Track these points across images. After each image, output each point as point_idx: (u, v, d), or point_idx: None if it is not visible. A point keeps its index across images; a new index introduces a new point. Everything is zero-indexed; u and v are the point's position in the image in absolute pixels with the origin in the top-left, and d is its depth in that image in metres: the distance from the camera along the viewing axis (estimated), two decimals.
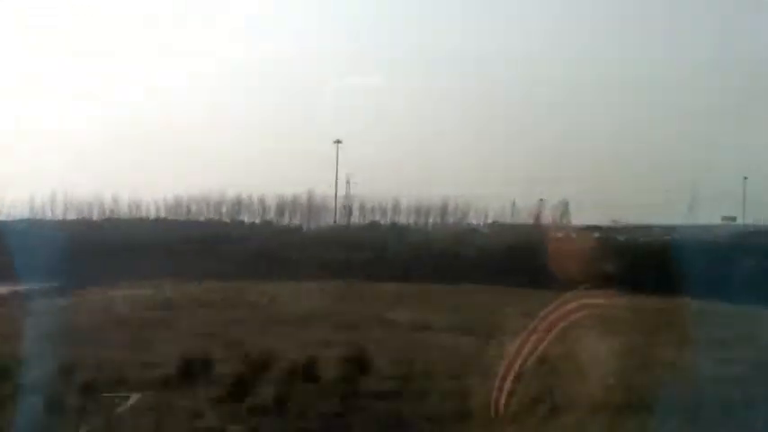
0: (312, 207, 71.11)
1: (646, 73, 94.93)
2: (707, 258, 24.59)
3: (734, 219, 68.39)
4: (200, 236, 47.01)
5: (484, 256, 36.45)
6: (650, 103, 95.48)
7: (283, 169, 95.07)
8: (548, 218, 73.49)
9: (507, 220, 76.26)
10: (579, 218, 68.39)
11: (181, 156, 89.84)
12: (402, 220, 75.37)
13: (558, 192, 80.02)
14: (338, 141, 62.56)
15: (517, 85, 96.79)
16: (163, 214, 69.82)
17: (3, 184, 65.60)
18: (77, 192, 67.57)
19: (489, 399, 10.92)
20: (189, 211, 69.08)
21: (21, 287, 23.54)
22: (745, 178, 66.33)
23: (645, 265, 29.39)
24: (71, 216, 69.80)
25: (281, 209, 69.83)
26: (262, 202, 68.59)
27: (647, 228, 57.79)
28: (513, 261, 33.71)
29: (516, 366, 7.04)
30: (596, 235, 50.53)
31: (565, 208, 75.23)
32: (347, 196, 78.13)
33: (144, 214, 68.24)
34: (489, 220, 77.41)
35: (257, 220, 67.11)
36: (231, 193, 69.12)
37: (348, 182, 74.15)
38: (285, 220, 70.25)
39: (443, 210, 75.87)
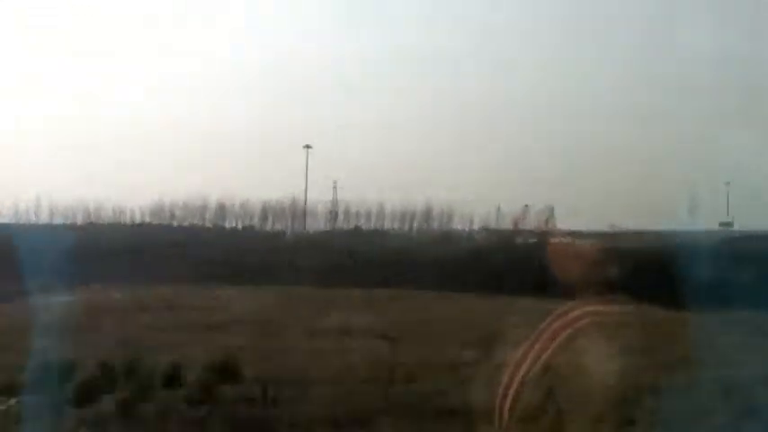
0: (296, 212, 71.14)
1: (639, 75, 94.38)
2: (708, 266, 24.24)
3: (731, 224, 67.91)
4: (173, 241, 47.34)
5: (466, 262, 36.46)
6: (644, 106, 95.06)
7: (269, 173, 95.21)
8: (532, 223, 73.36)
9: (492, 225, 76.13)
10: (565, 223, 68.28)
11: (170, 158, 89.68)
12: (387, 224, 75.41)
13: (545, 196, 79.79)
14: (308, 146, 61.94)
15: (511, 89, 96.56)
16: (148, 219, 69.99)
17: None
18: (61, 196, 67.82)
19: (353, 403, 11.26)
20: (173, 215, 69.17)
21: None
22: (728, 183, 65.99)
23: (648, 272, 29.29)
24: (57, 220, 70.21)
25: (264, 214, 69.83)
26: (244, 207, 68.61)
27: (645, 234, 57.53)
28: (496, 267, 33.63)
29: (520, 374, 7.18)
30: (579, 240, 50.57)
31: (550, 213, 75.06)
32: (334, 201, 78.15)
33: (128, 219, 68.36)
34: (475, 226, 77.31)
35: (239, 226, 67.13)
36: (215, 197, 69.22)
37: (335, 187, 74.19)
38: (269, 226, 70.22)
39: (428, 215, 75.83)
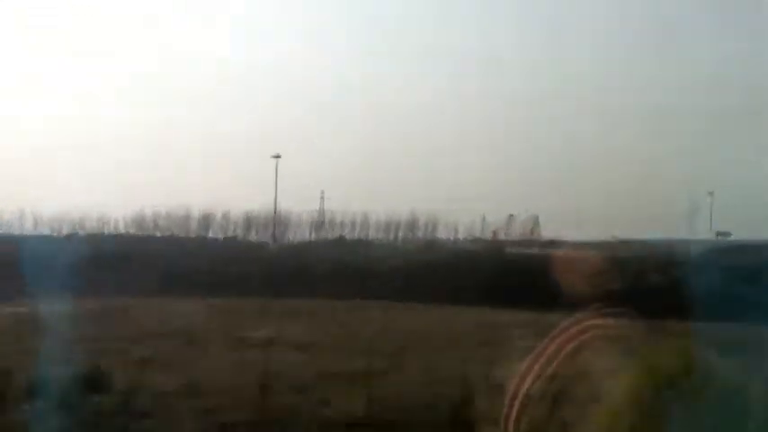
0: (280, 222, 71.20)
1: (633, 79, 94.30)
2: (714, 278, 23.82)
3: (728, 234, 67.48)
4: (148, 251, 47.16)
5: (443, 273, 36.14)
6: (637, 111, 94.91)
7: (253, 183, 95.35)
8: (517, 232, 73.26)
9: (477, 234, 76.24)
10: (551, 232, 68.18)
11: (158, 164, 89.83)
12: (372, 234, 75.46)
13: (530, 206, 79.80)
14: (277, 156, 61.84)
15: (502, 96, 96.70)
16: (132, 230, 70.19)
17: None
18: (46, 205, 68.10)
19: (225, 415, 11.03)
20: (156, 226, 69.36)
21: None
22: (711, 193, 65.84)
23: (652, 284, 28.70)
24: (44, 231, 70.43)
25: (248, 224, 69.99)
26: (226, 217, 68.79)
27: (643, 243, 57.28)
28: (477, 278, 33.22)
29: (525, 388, 6.96)
30: (561, 250, 50.32)
31: (535, 222, 75.14)
32: (320, 211, 78.25)
33: (112, 229, 68.61)
34: (460, 235, 77.39)
35: (221, 237, 67.27)
36: (198, 207, 69.28)
37: (322, 197, 74.29)
38: (253, 236, 70.37)
39: (413, 224, 75.93)
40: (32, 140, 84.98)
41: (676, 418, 9.39)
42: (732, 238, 64.70)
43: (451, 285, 33.50)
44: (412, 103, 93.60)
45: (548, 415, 8.90)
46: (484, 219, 75.64)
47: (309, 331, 20.13)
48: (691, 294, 20.11)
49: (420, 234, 75.77)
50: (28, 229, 69.62)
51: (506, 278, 33.25)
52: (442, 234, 75.55)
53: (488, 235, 73.45)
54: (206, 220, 69.24)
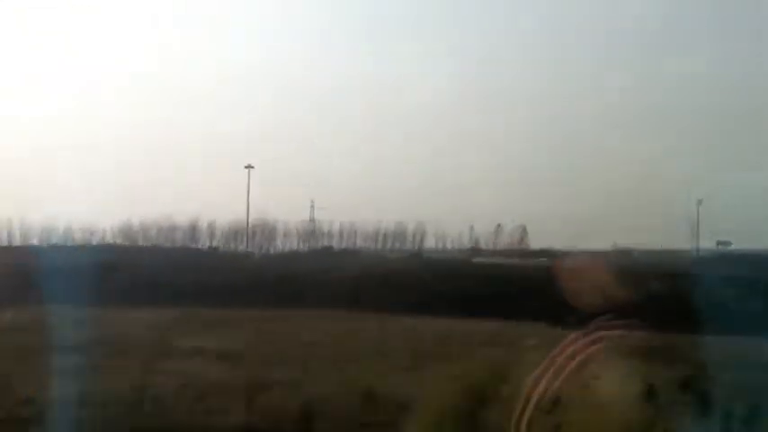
0: (265, 232, 71.18)
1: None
2: (720, 288, 23.52)
3: (729, 243, 66.98)
4: (127, 263, 47.15)
5: (421, 283, 35.84)
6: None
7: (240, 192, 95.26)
8: (503, 242, 73.02)
9: (466, 243, 76.08)
10: (539, 242, 67.93)
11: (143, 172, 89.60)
12: (361, 244, 75.42)
13: (519, 215, 79.46)
14: (249, 167, 61.63)
15: (502, 96, 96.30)
16: (119, 240, 70.29)
17: None
18: (34, 217, 68.29)
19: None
20: (144, 236, 69.46)
21: None
22: (700, 201, 65.46)
23: (658, 294, 27.53)
24: (33, 241, 70.61)
25: (233, 234, 70.01)
26: (211, 227, 68.80)
27: (643, 253, 56.89)
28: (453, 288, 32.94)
29: (533, 401, 6.91)
30: (544, 259, 50.15)
31: (523, 232, 74.90)
32: (311, 221, 78.14)
33: (98, 240, 68.71)
34: (448, 245, 77.29)
35: (204, 247, 67.30)
36: (184, 217, 69.35)
37: (312, 206, 74.20)
38: (240, 246, 70.33)
39: (402, 234, 75.92)
40: (32, 141, 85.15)
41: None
42: (732, 247, 64.22)
43: (426, 296, 33.41)
44: (412, 104, 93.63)
45: (555, 423, 8.78)
46: (472, 228, 75.50)
47: (255, 342, 19.93)
48: (694, 306, 19.89)
49: (408, 244, 75.77)
50: (16, 239, 69.80)
51: (476, 288, 33.03)
52: (431, 243, 75.57)
53: (480, 244, 73.28)
54: (192, 230, 69.29)
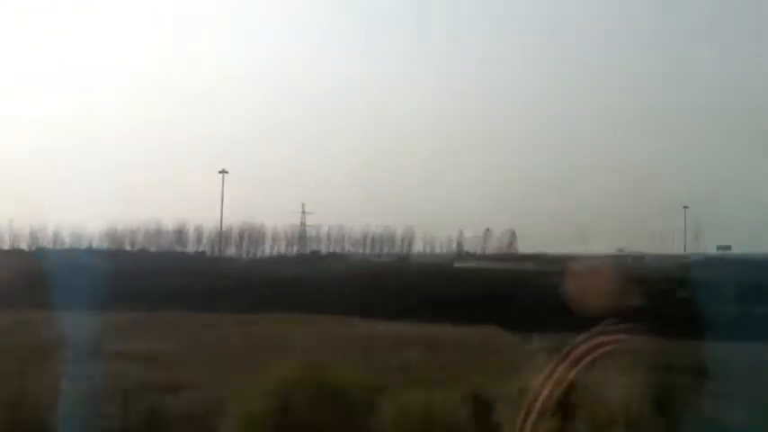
0: (253, 236, 70.87)
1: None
2: (724, 293, 23.60)
3: (728, 248, 66.77)
4: (113, 267, 46.83)
5: (405, 287, 35.52)
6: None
7: (227, 197, 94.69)
8: (492, 247, 72.78)
9: (454, 248, 75.81)
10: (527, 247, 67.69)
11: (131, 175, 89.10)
12: (350, 248, 75.12)
13: (509, 220, 79.03)
14: (224, 171, 61.28)
15: (502, 96, 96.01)
16: (106, 244, 69.93)
17: None
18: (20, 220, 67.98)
19: None
20: (132, 241, 69.10)
21: None
22: (686, 207, 65.35)
23: (662, 298, 27.21)
24: (21, 245, 70.31)
25: (220, 238, 69.63)
26: (198, 231, 68.44)
27: (643, 257, 56.54)
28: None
29: (539, 404, 6.71)
30: (530, 264, 49.88)
31: (512, 236, 74.64)
32: (302, 225, 77.84)
33: (86, 244, 68.34)
34: (437, 249, 77.04)
35: (192, 251, 66.94)
36: (172, 221, 69.02)
37: (303, 211, 73.90)
38: (227, 250, 69.97)
39: (390, 239, 75.63)
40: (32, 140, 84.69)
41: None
42: (732, 251, 63.95)
43: (401, 300, 33.16)
44: (411, 104, 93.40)
45: (560, 426, 8.56)
46: (461, 233, 75.23)
47: (184, 344, 19.67)
48: (697, 311, 19.75)
49: (397, 248, 75.53)
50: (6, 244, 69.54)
51: (448, 292, 32.77)
52: (419, 248, 75.33)
53: (471, 249, 72.97)
54: (179, 234, 68.96)
